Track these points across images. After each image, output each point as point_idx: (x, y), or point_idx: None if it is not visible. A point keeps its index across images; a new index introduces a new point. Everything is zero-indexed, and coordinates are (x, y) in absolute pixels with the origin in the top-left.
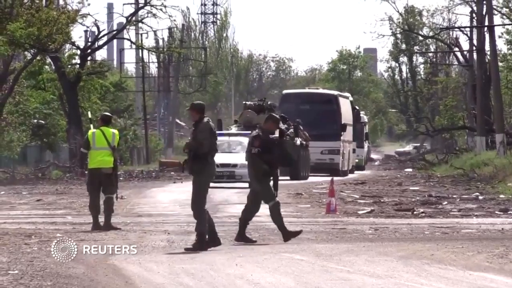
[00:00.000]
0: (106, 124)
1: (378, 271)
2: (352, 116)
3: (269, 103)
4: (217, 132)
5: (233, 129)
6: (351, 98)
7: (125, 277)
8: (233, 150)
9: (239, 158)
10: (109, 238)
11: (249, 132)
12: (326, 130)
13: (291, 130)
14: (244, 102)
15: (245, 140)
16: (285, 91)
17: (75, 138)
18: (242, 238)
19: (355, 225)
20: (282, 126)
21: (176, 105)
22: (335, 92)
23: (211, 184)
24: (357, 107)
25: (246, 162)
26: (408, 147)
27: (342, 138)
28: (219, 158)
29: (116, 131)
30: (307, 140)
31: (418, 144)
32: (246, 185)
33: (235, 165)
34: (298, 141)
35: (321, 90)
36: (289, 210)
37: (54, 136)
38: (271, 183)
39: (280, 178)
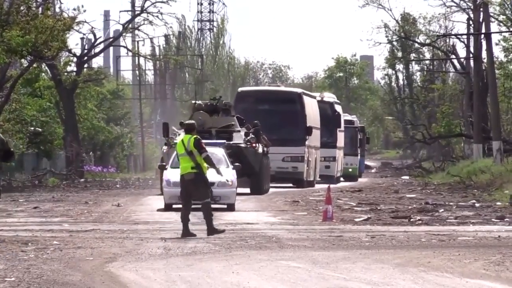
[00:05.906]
0: (187, 132)
1: (375, 278)
2: (319, 118)
3: (223, 102)
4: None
5: (182, 135)
6: (332, 100)
7: (122, 285)
8: None
9: (216, 174)
10: (105, 245)
11: (222, 141)
12: (288, 134)
13: (251, 134)
14: (193, 102)
15: (219, 152)
16: (240, 89)
17: (71, 146)
18: None
19: (351, 232)
20: (241, 129)
21: (173, 113)
22: (299, 90)
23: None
24: (338, 111)
25: (225, 180)
26: None
27: (307, 143)
28: None
29: (193, 136)
30: (268, 145)
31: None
32: (224, 206)
33: (211, 184)
34: (260, 147)
35: (282, 88)
36: (286, 217)
37: (51, 143)
38: None
39: (239, 191)
